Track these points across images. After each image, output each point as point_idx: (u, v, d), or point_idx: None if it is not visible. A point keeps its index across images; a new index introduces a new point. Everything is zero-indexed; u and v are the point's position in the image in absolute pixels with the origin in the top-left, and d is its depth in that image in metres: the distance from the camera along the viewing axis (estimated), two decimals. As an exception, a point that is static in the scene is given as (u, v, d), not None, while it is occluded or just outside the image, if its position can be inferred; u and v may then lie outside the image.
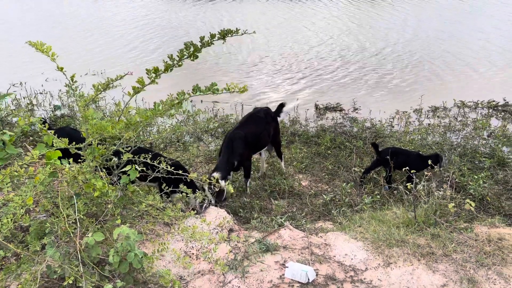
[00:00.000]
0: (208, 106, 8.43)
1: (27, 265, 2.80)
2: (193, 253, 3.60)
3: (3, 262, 2.96)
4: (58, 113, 7.84)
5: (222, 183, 4.50)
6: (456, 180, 5.43)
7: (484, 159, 6.18)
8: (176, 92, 3.17)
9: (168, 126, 7.03)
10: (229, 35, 3.10)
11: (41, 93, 8.85)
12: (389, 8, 17.85)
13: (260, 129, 5.45)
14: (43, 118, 4.55)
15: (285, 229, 4.06)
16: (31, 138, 5.80)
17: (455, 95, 8.71)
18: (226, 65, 11.29)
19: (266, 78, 10.38)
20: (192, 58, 3.11)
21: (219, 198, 4.83)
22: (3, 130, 2.90)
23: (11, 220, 2.82)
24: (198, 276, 3.38)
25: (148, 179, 3.49)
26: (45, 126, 2.98)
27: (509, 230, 3.99)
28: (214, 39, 3.08)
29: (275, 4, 18.85)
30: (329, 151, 6.59)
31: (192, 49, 3.04)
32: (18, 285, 2.67)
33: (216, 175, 4.51)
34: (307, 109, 8.39)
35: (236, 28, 3.09)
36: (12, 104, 7.85)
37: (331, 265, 3.50)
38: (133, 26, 15.09)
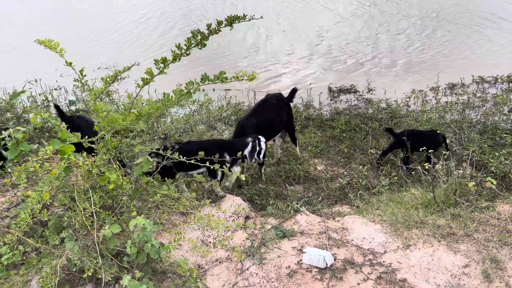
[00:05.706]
0: (220, 94, 8.39)
1: (48, 259, 2.85)
2: (210, 242, 3.61)
3: (24, 257, 3.02)
4: (73, 108, 7.92)
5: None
6: (476, 158, 5.30)
7: (505, 135, 6.01)
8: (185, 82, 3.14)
9: (181, 116, 7.04)
10: (236, 21, 3.02)
11: (56, 89, 8.96)
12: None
13: (273, 116, 5.39)
14: (56, 104, 4.63)
15: (301, 214, 4.03)
16: (47, 134, 5.87)
17: (473, 70, 8.45)
18: (236, 51, 11.19)
19: (278, 63, 10.26)
20: (199, 47, 3.06)
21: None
22: (16, 127, 2.93)
23: (30, 215, 2.88)
24: (216, 264, 3.39)
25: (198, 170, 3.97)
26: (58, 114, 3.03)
27: (532, 207, 3.87)
28: (221, 26, 3.02)
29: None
30: (344, 134, 6.49)
31: (199, 37, 3.00)
32: (39, 279, 2.71)
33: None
34: (321, 93, 8.27)
35: (244, 14, 3.02)
36: (28, 101, 7.97)
37: (349, 249, 3.47)
38: (142, 18, 15.07)
